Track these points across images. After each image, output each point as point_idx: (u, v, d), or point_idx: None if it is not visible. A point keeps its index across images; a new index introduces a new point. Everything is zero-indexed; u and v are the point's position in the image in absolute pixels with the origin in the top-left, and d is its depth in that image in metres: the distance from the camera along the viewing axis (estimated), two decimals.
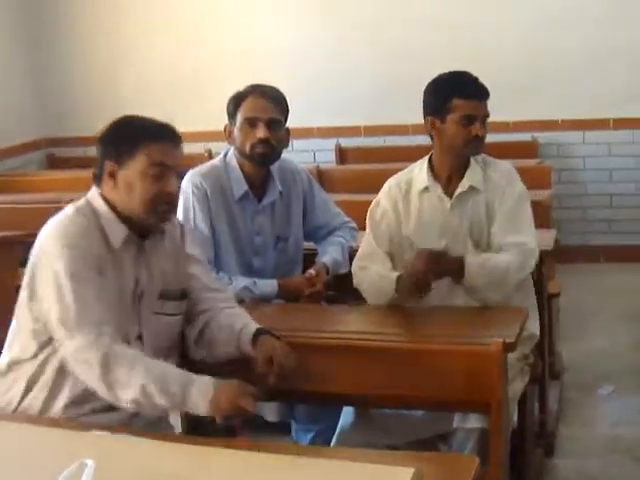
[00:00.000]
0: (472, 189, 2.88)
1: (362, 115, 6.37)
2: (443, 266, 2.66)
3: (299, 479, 1.75)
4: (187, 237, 2.53)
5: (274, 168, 3.15)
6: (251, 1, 6.60)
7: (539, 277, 3.23)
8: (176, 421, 2.57)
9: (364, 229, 3.02)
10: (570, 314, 5.05)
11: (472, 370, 2.27)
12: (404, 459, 1.81)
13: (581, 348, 4.58)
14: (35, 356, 2.27)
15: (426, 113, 2.91)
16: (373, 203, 2.98)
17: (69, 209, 2.31)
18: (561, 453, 3.48)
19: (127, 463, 1.81)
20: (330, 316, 2.92)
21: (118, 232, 2.30)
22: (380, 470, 1.73)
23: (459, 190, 2.89)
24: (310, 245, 3.35)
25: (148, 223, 2.33)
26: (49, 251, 2.24)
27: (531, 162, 5.23)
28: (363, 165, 5.80)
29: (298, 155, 5.57)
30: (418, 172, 2.96)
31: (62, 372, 2.24)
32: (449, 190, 2.91)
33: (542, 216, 3.91)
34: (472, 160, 2.92)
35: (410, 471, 1.67)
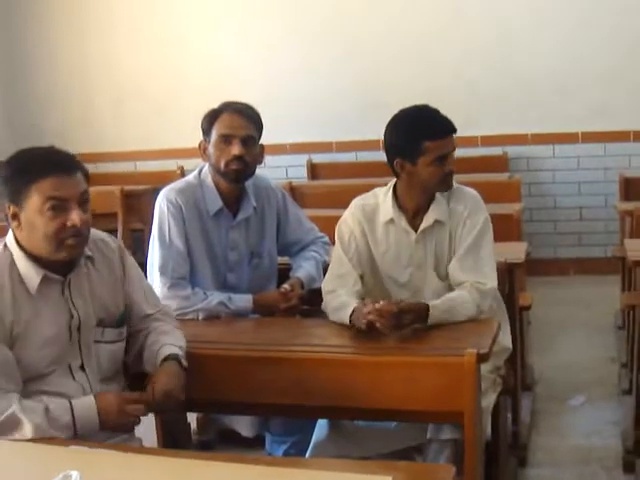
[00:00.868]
0: (437, 222, 2.87)
1: (334, 131, 6.42)
2: (406, 322, 2.60)
3: None
4: (127, 261, 2.50)
5: (248, 184, 3.17)
6: (220, 21, 6.64)
7: (510, 290, 3.26)
8: (152, 437, 2.58)
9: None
10: (541, 326, 5.11)
11: (446, 381, 2.29)
12: (380, 468, 1.82)
13: (552, 360, 4.63)
14: None
15: (394, 154, 2.83)
16: (340, 222, 2.97)
17: None
18: (534, 463, 3.51)
19: (110, 475, 1.82)
20: (305, 330, 2.92)
21: (33, 277, 2.25)
22: (357, 479, 1.75)
23: (424, 224, 2.87)
24: (285, 260, 3.37)
25: (57, 259, 2.26)
26: None
27: (501, 176, 5.30)
28: (335, 180, 5.84)
29: (271, 171, 5.63)
30: (383, 200, 2.93)
31: None
32: (414, 223, 2.89)
33: (513, 229, 3.98)
34: (437, 193, 2.89)
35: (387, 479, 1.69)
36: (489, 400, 2.79)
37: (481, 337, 2.42)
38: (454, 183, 2.88)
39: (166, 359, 2.36)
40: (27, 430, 2.08)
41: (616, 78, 6.03)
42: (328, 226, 3.21)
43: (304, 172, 6.38)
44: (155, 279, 3.00)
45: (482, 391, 2.57)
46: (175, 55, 6.68)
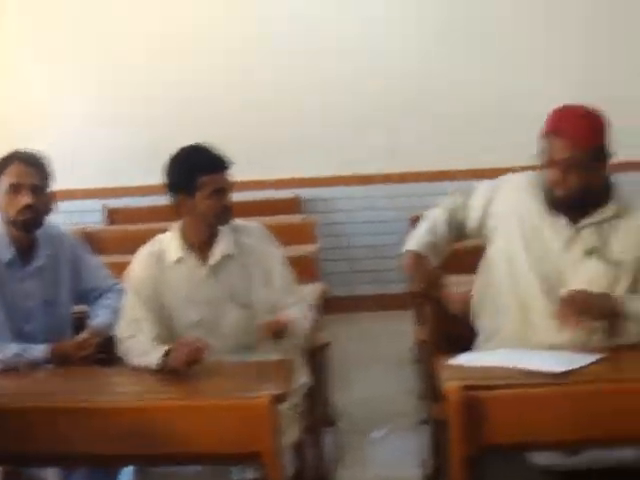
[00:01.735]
0: (226, 256, 2.95)
1: (129, 175, 6.35)
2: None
3: None
4: None
5: (40, 232, 3.12)
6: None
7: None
8: None
9: None
10: (342, 363, 5.19)
11: (243, 424, 2.31)
12: None
13: (354, 395, 4.74)
14: None
15: (174, 192, 2.94)
16: (129, 270, 3.02)
17: None
18: None
19: None
20: (104, 379, 2.89)
21: None
22: None
23: (212, 260, 2.95)
24: (81, 308, 3.31)
25: None
26: None
27: (296, 218, 5.38)
28: (132, 225, 5.77)
29: (64, 217, 5.47)
30: (169, 242, 3.00)
31: None
32: (204, 259, 2.96)
33: (309, 270, 4.05)
34: (221, 227, 2.98)
35: None
36: (291, 437, 2.85)
37: (278, 378, 2.45)
38: (238, 221, 3.02)
39: None
40: None
41: (404, 121, 6.27)
42: (124, 272, 3.18)
43: (100, 217, 6.27)
44: None
45: (282, 429, 2.62)
46: None
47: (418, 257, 2.91)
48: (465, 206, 2.98)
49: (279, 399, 2.36)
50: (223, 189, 2.91)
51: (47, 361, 3.00)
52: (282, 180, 6.33)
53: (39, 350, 2.98)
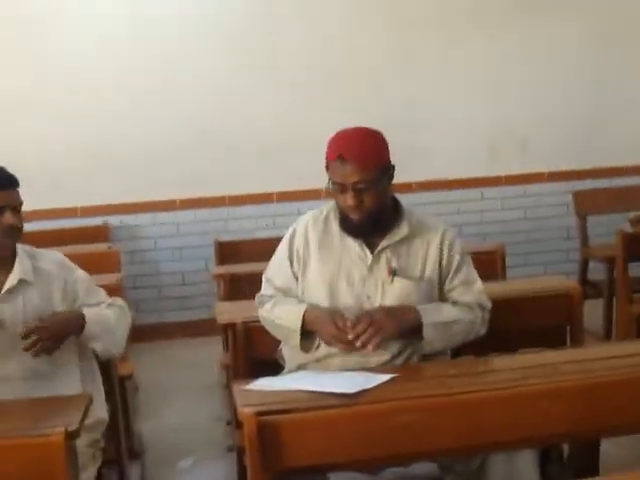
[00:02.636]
0: (22, 282, 2.89)
1: None
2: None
3: None
4: None
5: None
6: None
7: (107, 361, 3.27)
8: None
9: None
10: (149, 392, 5.16)
11: (36, 462, 2.23)
12: None
13: (162, 425, 4.68)
14: None
15: None
16: None
17: None
18: None
19: None
20: None
21: None
22: None
23: (8, 284, 2.88)
24: None
25: None
26: None
27: (101, 246, 5.30)
28: None
29: None
30: None
31: None
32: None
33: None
34: (19, 252, 2.93)
35: None
36: (89, 474, 2.80)
37: (71, 413, 2.39)
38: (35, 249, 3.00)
39: None
40: None
41: (204, 146, 6.28)
42: None
43: None
44: None
45: (80, 466, 2.56)
46: None
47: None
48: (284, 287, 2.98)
49: (73, 435, 2.30)
50: (5, 207, 2.83)
51: None
52: (90, 207, 6.20)
53: None
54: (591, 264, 5.97)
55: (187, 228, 6.36)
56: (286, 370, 2.98)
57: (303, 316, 2.81)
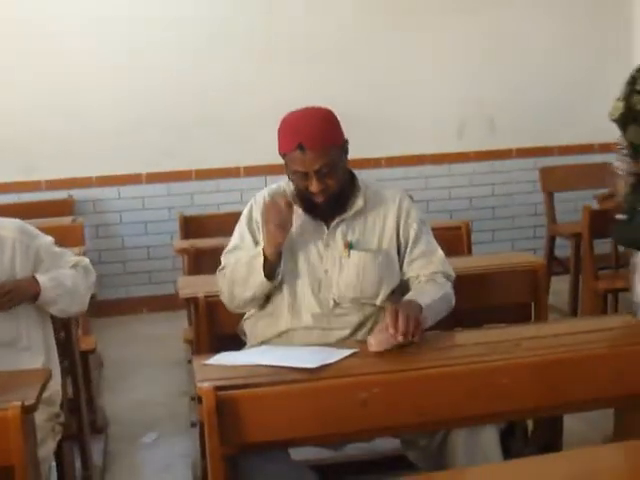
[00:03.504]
0: None
1: None
2: None
3: None
4: None
5: None
6: None
7: (68, 336, 3.24)
8: None
9: None
10: (115, 367, 5.13)
11: None
12: None
13: (127, 399, 4.66)
14: None
15: None
16: None
17: None
18: None
19: None
20: None
21: None
22: None
23: None
24: None
25: None
26: None
27: (65, 220, 5.24)
28: None
29: None
30: None
31: None
32: None
33: None
34: None
35: None
36: (48, 449, 2.76)
37: (28, 387, 2.36)
38: None
39: None
40: None
41: (171, 120, 6.22)
42: None
43: None
44: None
45: (39, 441, 2.53)
46: None
47: None
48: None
49: (30, 409, 2.27)
50: None
51: None
52: (54, 180, 6.12)
53: None
54: (558, 241, 5.99)
55: (153, 202, 6.30)
56: (248, 345, 2.96)
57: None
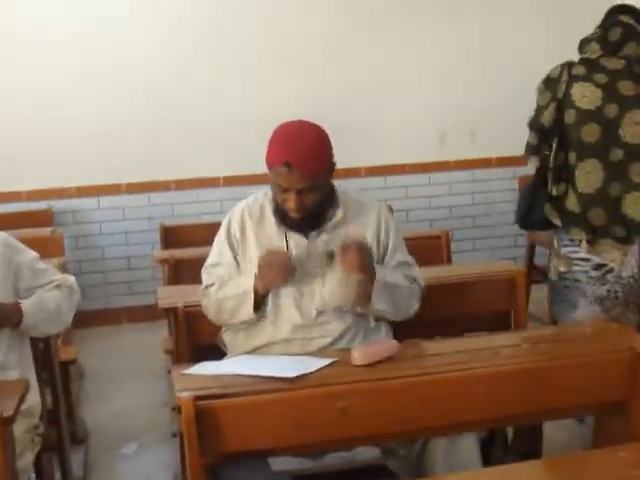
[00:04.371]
0: None
1: None
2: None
3: None
4: None
5: None
6: None
7: (47, 346, 3.22)
8: None
9: None
10: (95, 377, 5.11)
11: None
12: None
13: (106, 410, 4.64)
14: None
15: None
16: None
17: None
18: None
19: None
20: None
21: None
22: None
23: None
24: None
25: None
26: None
27: (45, 230, 5.21)
28: None
29: None
30: None
31: None
32: None
33: None
34: None
35: None
36: (26, 460, 2.76)
37: (5, 399, 2.35)
38: None
39: None
40: None
41: (151, 130, 6.21)
42: None
43: None
44: None
45: (18, 453, 2.52)
46: None
47: None
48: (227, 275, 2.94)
49: (8, 421, 2.26)
50: None
51: None
52: (34, 191, 6.10)
53: None
54: (538, 249, 6.01)
55: (133, 212, 6.28)
56: (229, 356, 2.95)
57: (254, 278, 2.79)
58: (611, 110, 3.35)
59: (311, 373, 2.39)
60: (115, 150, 6.16)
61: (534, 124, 3.56)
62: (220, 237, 2.96)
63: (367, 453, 3.23)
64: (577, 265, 3.50)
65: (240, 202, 3.01)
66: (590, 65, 3.43)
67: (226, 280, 2.89)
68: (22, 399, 2.40)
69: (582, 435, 3.57)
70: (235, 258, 2.91)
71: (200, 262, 3.05)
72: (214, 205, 6.24)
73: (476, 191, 6.79)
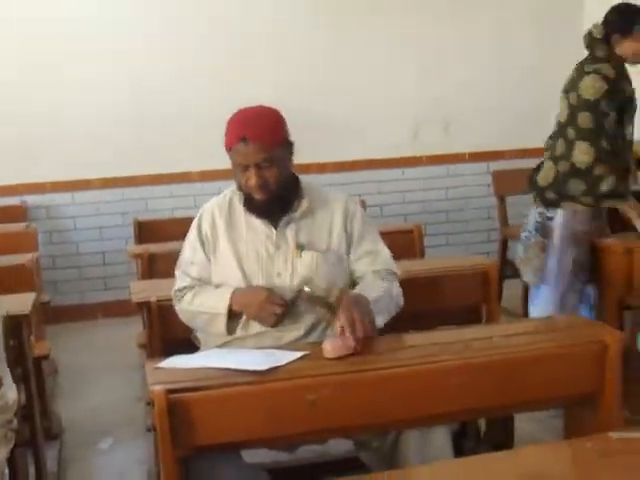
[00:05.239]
0: None
1: None
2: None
3: None
4: None
5: None
6: None
7: (20, 342, 3.21)
8: None
9: None
10: (69, 373, 5.11)
11: None
12: None
13: (82, 405, 4.65)
14: None
15: None
16: None
17: None
18: None
19: None
20: None
21: None
22: None
23: None
24: None
25: None
26: None
27: (18, 226, 5.20)
28: None
29: None
30: None
31: None
32: None
33: (26, 280, 3.92)
34: None
35: None
36: (1, 455, 2.73)
37: None
38: None
39: None
40: None
41: (124, 126, 6.20)
42: None
43: None
44: None
45: None
46: None
47: None
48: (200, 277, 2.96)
49: None
50: None
51: None
52: (5, 187, 6.07)
53: None
54: (511, 244, 6.05)
55: (107, 207, 6.28)
56: (201, 349, 2.96)
57: (230, 298, 2.81)
58: None
59: (282, 366, 2.40)
60: (88, 145, 6.15)
61: None
62: (191, 234, 2.98)
63: (340, 446, 3.24)
64: None
65: (210, 200, 3.03)
66: None
67: (200, 289, 2.92)
68: None
69: (553, 428, 3.61)
70: (207, 256, 2.92)
71: (174, 256, 3.06)
72: (188, 200, 6.25)
73: (449, 186, 6.82)
